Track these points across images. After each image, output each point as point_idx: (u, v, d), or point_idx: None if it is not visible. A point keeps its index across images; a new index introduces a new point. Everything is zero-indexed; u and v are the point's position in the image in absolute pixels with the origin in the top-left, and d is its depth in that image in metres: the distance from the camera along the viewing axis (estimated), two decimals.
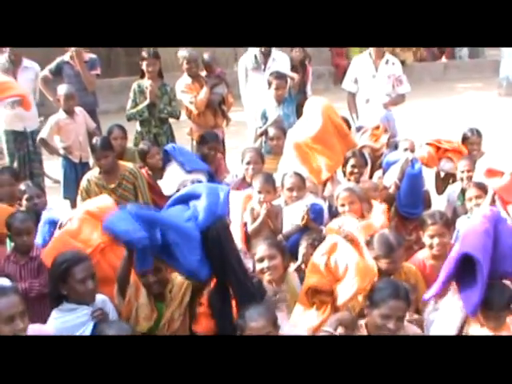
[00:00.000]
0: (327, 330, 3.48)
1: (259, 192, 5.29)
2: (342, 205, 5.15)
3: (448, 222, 4.75)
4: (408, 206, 5.58)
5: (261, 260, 4.36)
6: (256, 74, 7.81)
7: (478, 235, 3.75)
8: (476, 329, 3.83)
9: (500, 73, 14.50)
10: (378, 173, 6.16)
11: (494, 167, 5.00)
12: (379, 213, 5.07)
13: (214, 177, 6.14)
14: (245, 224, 5.33)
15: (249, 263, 4.64)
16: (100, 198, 5.18)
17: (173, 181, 6.04)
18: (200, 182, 5.61)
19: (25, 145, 7.79)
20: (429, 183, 6.36)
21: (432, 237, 4.62)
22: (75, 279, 3.76)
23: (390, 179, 5.83)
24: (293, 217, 5.27)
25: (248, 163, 5.92)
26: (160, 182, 6.22)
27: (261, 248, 4.41)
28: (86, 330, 3.73)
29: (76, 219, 4.60)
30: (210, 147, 6.59)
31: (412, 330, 3.68)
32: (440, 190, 6.49)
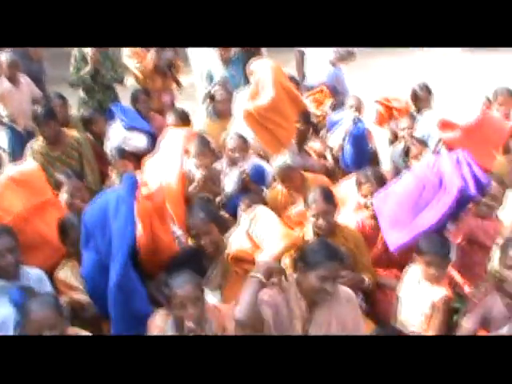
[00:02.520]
0: (256, 275, 3.37)
1: (195, 156, 5.21)
2: (282, 182, 5.09)
3: (382, 181, 4.64)
4: (354, 166, 5.52)
5: (196, 236, 4.25)
6: None
7: None
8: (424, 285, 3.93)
9: None
10: (323, 133, 6.12)
11: (448, 119, 4.93)
12: None
13: (154, 137, 5.99)
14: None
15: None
16: (25, 163, 5.09)
17: (114, 137, 5.96)
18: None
19: None
20: (379, 142, 6.32)
21: (366, 196, 4.56)
22: None
23: (334, 140, 5.79)
24: (234, 178, 5.23)
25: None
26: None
27: (195, 223, 4.26)
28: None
29: None
30: (142, 102, 6.50)
31: (344, 291, 3.64)
32: None
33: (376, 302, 4.35)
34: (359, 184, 4.62)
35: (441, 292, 3.89)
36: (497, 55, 10.65)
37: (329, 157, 5.82)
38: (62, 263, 4.30)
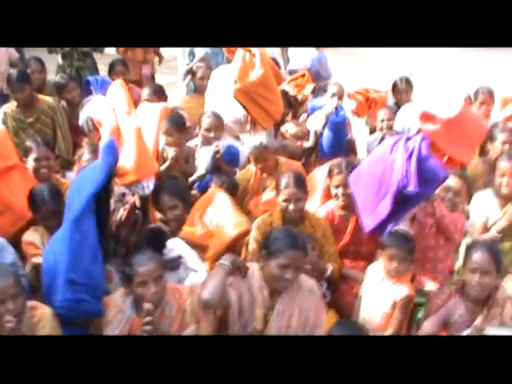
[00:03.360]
0: (224, 263, 3.38)
1: (165, 133, 5.10)
2: (256, 161, 4.99)
3: None
4: (330, 154, 5.46)
5: (162, 211, 4.26)
6: None
7: None
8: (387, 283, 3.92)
9: None
10: (303, 116, 6.05)
11: (429, 111, 4.88)
12: None
13: None
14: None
15: None
16: None
17: (89, 108, 5.79)
18: None
19: None
20: (357, 132, 6.29)
21: (337, 187, 4.48)
22: None
23: (313, 124, 5.73)
24: (207, 158, 5.16)
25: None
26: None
27: (162, 198, 4.29)
28: None
29: None
30: (120, 73, 6.37)
31: (307, 282, 3.61)
32: None
33: (341, 293, 4.30)
34: (331, 173, 4.54)
35: (403, 290, 3.87)
36: (485, 54, 10.69)
37: (311, 138, 5.72)
38: (32, 228, 4.20)
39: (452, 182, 4.44)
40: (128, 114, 4.50)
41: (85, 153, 4.67)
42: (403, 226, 4.11)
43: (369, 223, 4.21)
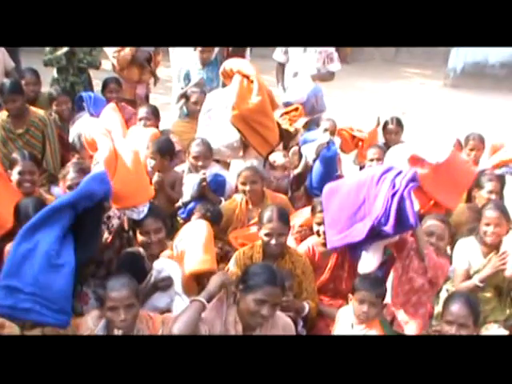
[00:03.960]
0: (198, 299, 3.31)
1: (150, 157, 5.09)
2: (243, 183, 4.99)
3: None
4: (319, 189, 5.40)
5: (146, 233, 4.22)
6: None
7: None
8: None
9: (448, 63, 14.48)
10: (294, 149, 6.04)
11: (418, 155, 4.88)
12: None
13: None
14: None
15: None
16: None
17: (80, 124, 5.73)
18: None
19: None
20: (345, 170, 6.28)
21: (319, 224, 4.48)
22: None
23: (304, 157, 5.71)
24: (193, 185, 5.11)
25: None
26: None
27: (148, 221, 4.25)
28: None
29: None
30: (113, 91, 6.38)
31: (282, 319, 3.58)
32: None
33: (317, 331, 4.27)
34: (314, 210, 4.54)
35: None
36: (475, 97, 10.80)
37: (301, 165, 5.71)
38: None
39: (435, 226, 4.42)
40: (124, 138, 4.50)
41: (69, 171, 4.62)
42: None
43: (334, 240, 4.27)
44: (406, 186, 3.94)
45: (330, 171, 5.51)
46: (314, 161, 5.52)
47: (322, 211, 4.45)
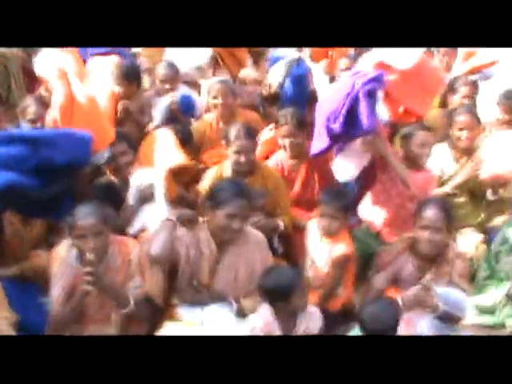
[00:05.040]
0: (170, 218, 3.37)
1: (115, 84, 4.98)
2: (215, 97, 4.90)
3: (301, 122, 4.50)
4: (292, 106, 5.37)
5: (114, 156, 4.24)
6: None
7: None
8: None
9: None
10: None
11: (385, 61, 4.78)
12: None
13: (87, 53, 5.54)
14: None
15: None
16: None
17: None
18: None
19: None
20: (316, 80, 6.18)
21: (284, 137, 4.45)
22: None
23: (274, 77, 5.60)
24: (162, 109, 5.05)
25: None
26: None
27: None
28: None
29: None
30: None
31: (254, 235, 3.58)
32: None
33: (292, 243, 4.29)
34: (278, 123, 4.50)
35: (339, 249, 3.82)
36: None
37: (274, 87, 5.63)
38: None
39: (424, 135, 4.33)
40: (81, 79, 4.42)
41: (30, 104, 4.51)
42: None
43: (312, 149, 4.28)
44: (365, 85, 3.87)
45: (302, 88, 5.42)
46: (285, 77, 5.43)
47: (286, 123, 4.42)
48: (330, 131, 4.05)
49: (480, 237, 4.54)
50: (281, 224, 4.16)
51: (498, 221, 4.57)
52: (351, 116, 3.92)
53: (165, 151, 4.23)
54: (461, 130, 4.60)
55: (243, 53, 5.66)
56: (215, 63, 5.73)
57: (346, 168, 4.25)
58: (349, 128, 3.94)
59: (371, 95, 3.91)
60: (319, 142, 4.19)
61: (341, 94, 3.98)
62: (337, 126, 3.93)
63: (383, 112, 4.31)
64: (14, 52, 5.74)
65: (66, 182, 3.70)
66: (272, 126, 4.73)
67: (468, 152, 4.63)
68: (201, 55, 5.49)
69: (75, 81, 4.26)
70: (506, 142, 4.58)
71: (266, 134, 4.69)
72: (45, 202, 3.63)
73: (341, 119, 3.90)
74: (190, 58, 5.50)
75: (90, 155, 3.85)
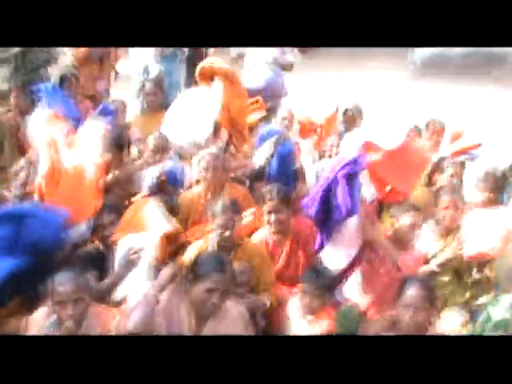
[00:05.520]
0: (151, 292, 3.31)
1: (105, 152, 4.98)
2: (205, 169, 4.93)
3: (286, 198, 4.53)
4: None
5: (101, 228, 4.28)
6: None
7: None
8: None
9: (409, 55, 14.48)
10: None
11: (371, 141, 4.88)
12: None
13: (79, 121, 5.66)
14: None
15: None
16: None
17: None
18: None
19: None
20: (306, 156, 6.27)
21: (270, 213, 4.47)
22: None
23: (261, 155, 5.69)
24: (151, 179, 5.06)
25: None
26: None
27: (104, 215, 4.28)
28: None
29: None
30: (71, 86, 6.29)
31: (235, 309, 3.56)
32: None
33: (274, 319, 4.23)
34: (263, 200, 4.53)
35: (321, 327, 3.82)
36: (439, 85, 10.81)
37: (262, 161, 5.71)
38: None
39: (414, 216, 4.38)
40: (69, 147, 4.47)
41: (22, 168, 4.56)
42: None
43: None
44: (341, 169, 3.92)
45: (287, 167, 5.49)
46: (272, 156, 5.50)
47: (271, 199, 4.45)
48: (309, 218, 4.11)
49: (465, 316, 4.50)
50: (267, 302, 4.13)
51: (483, 300, 4.54)
52: (329, 201, 3.96)
53: (156, 217, 4.22)
54: (446, 208, 4.64)
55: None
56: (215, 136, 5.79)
57: (334, 258, 4.24)
58: (327, 213, 3.98)
59: (349, 178, 3.94)
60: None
61: (319, 180, 4.03)
62: (312, 211, 3.98)
63: (369, 191, 4.35)
64: (10, 115, 5.85)
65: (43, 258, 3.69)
66: (253, 210, 4.76)
67: (452, 231, 4.66)
68: (201, 132, 5.54)
69: (64, 150, 4.31)
70: (487, 220, 4.60)
71: (247, 218, 4.68)
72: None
73: (316, 205, 3.93)
74: (190, 134, 5.54)
75: (59, 235, 3.82)
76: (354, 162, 3.99)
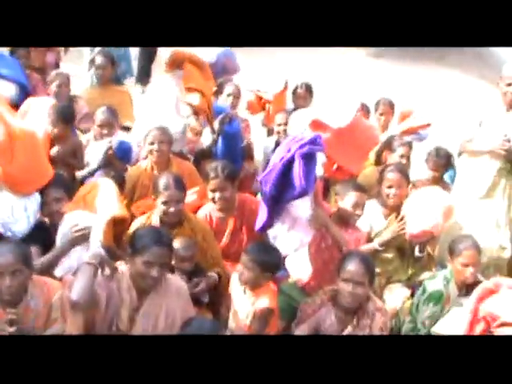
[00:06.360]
0: (91, 262, 3.28)
1: (50, 124, 4.95)
2: (151, 143, 4.87)
3: (231, 175, 4.50)
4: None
5: (48, 203, 4.20)
6: None
7: None
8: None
9: None
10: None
11: (320, 120, 4.89)
12: None
13: (27, 92, 5.59)
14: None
15: None
16: None
17: None
18: None
19: None
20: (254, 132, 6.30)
21: (213, 191, 4.46)
22: None
23: (208, 134, 5.68)
24: (99, 153, 5.06)
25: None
26: None
27: (48, 191, 4.20)
28: None
29: None
30: (20, 57, 6.08)
31: (176, 282, 3.59)
32: None
33: (218, 294, 4.26)
34: (208, 177, 4.51)
35: (263, 303, 3.80)
36: (389, 65, 10.86)
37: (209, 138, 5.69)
38: None
39: (359, 197, 4.34)
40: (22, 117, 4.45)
41: None
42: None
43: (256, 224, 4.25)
44: (300, 148, 3.91)
45: (234, 146, 5.48)
46: (218, 134, 5.47)
47: (215, 177, 4.43)
48: (264, 196, 4.06)
49: (407, 292, 4.61)
50: (217, 277, 4.16)
51: (424, 276, 4.63)
52: (285, 179, 3.91)
53: (108, 200, 4.14)
54: (390, 187, 4.67)
55: None
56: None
57: (285, 240, 4.16)
58: (281, 191, 3.93)
59: (308, 158, 3.90)
60: (261, 213, 4.16)
61: (275, 159, 4.00)
62: (267, 188, 3.93)
63: (318, 169, 4.36)
64: None
65: None
66: (196, 189, 4.75)
67: (396, 209, 4.71)
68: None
69: (12, 118, 4.24)
70: (430, 199, 4.67)
71: (189, 197, 4.65)
72: None
73: (271, 181, 3.89)
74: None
75: None
76: (314, 141, 3.95)
